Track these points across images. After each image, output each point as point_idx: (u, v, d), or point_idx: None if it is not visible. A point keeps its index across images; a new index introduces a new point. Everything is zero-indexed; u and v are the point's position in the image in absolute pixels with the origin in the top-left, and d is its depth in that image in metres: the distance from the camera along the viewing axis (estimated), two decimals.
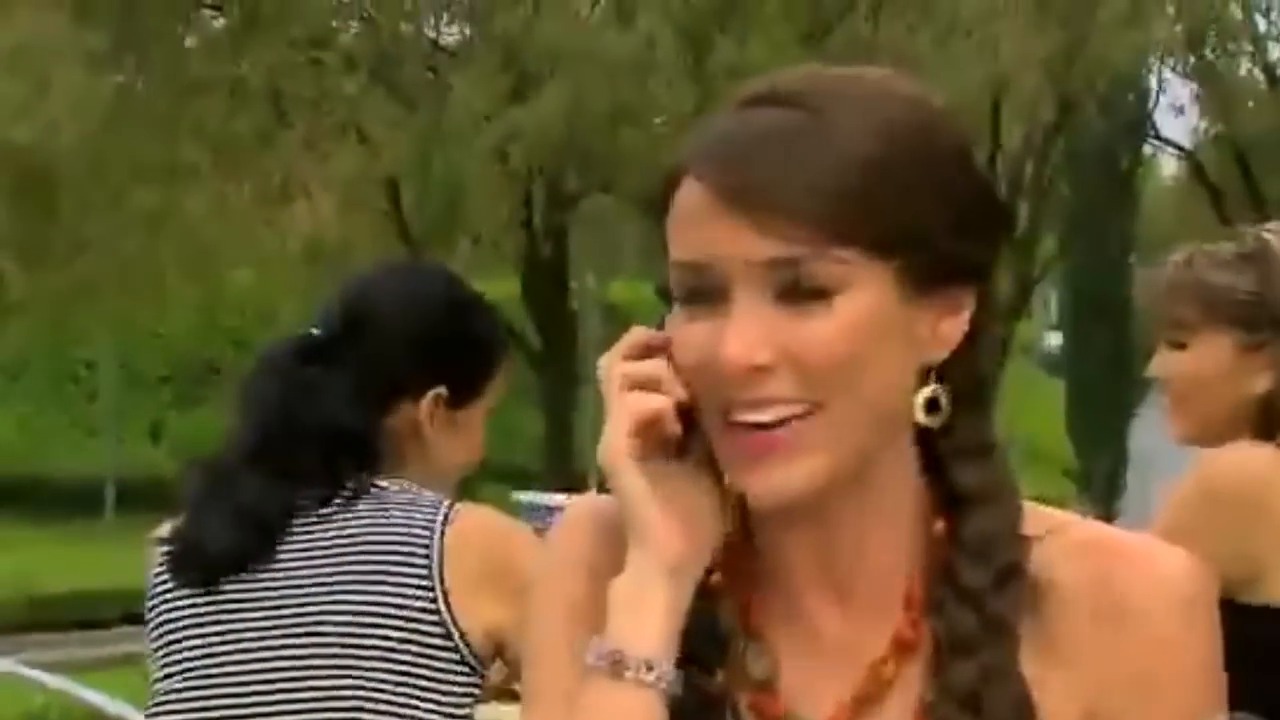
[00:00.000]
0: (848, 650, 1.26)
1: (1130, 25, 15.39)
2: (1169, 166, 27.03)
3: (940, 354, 1.24)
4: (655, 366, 1.24)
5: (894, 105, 1.22)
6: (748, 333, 1.18)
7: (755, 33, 16.76)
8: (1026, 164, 22.36)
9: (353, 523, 2.17)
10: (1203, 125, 20.30)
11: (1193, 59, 18.06)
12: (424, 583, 2.12)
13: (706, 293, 1.20)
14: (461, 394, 2.31)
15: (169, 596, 2.22)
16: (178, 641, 2.20)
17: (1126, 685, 1.23)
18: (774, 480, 1.20)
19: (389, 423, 2.27)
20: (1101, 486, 24.69)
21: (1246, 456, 2.59)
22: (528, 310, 19.94)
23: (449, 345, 2.32)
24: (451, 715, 2.11)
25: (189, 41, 19.75)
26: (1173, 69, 18.90)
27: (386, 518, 2.17)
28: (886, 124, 1.20)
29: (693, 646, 1.25)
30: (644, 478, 1.24)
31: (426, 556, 2.13)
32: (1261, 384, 2.67)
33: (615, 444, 1.24)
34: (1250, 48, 18.50)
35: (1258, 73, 19.03)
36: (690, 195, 1.21)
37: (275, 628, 2.16)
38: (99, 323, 21.70)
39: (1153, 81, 20.05)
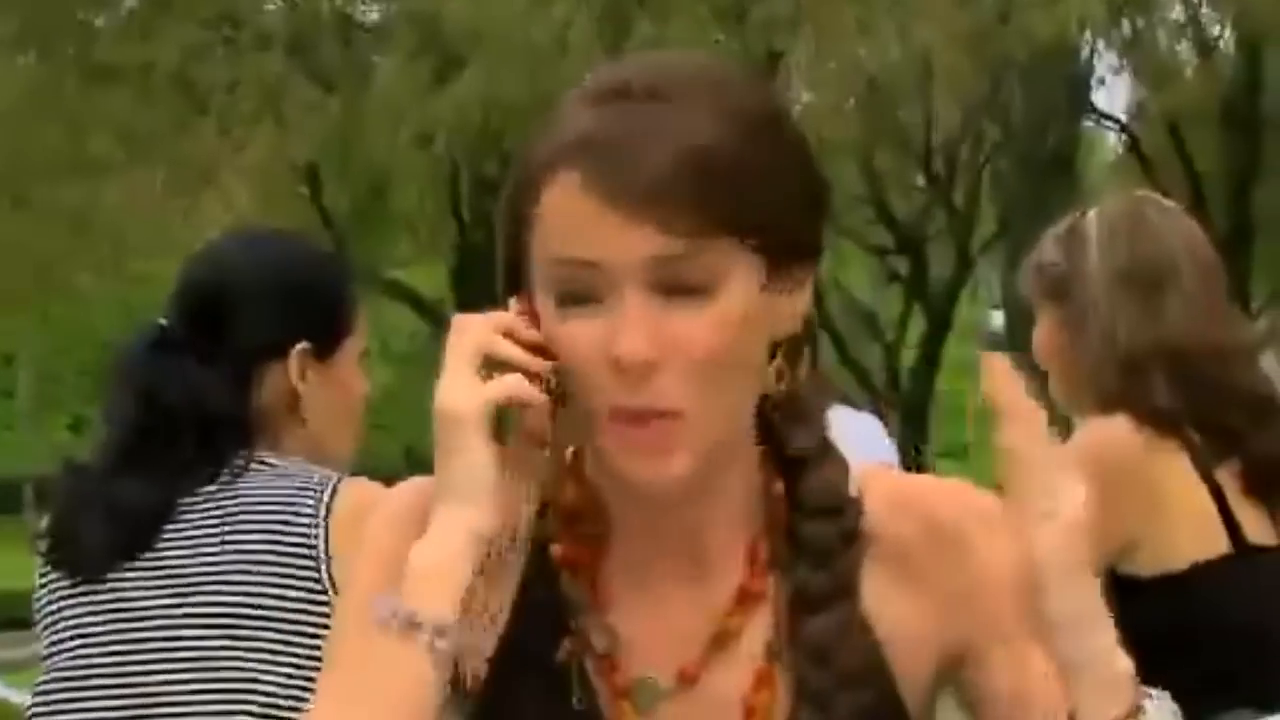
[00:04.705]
0: (696, 610, 1.33)
1: None
2: (1110, 142, 26.77)
3: (789, 330, 1.31)
4: (527, 359, 1.26)
5: (746, 92, 1.28)
6: (641, 329, 1.22)
7: (676, 11, 16.36)
8: (964, 141, 22.11)
9: (236, 502, 2.15)
10: (1135, 99, 20.03)
11: (1120, 32, 17.73)
12: (309, 556, 2.10)
13: (589, 290, 1.24)
14: (325, 342, 2.29)
15: (56, 592, 2.20)
16: (67, 638, 2.18)
17: (963, 606, 1.33)
18: (660, 469, 1.25)
19: (262, 398, 2.24)
20: None
21: (1109, 431, 2.58)
22: (457, 299, 19.65)
23: (298, 294, 2.28)
24: None
25: (99, 22, 19.23)
26: (1105, 42, 18.52)
27: (269, 493, 2.16)
28: (745, 113, 1.26)
29: (535, 620, 1.30)
30: (489, 445, 1.24)
31: (313, 529, 2.12)
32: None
33: (469, 404, 1.24)
34: (1181, 14, 18.18)
35: (1188, 43, 18.74)
36: (568, 194, 1.24)
37: (164, 617, 2.13)
38: (16, 321, 21.51)
39: (1086, 56, 19.68)
